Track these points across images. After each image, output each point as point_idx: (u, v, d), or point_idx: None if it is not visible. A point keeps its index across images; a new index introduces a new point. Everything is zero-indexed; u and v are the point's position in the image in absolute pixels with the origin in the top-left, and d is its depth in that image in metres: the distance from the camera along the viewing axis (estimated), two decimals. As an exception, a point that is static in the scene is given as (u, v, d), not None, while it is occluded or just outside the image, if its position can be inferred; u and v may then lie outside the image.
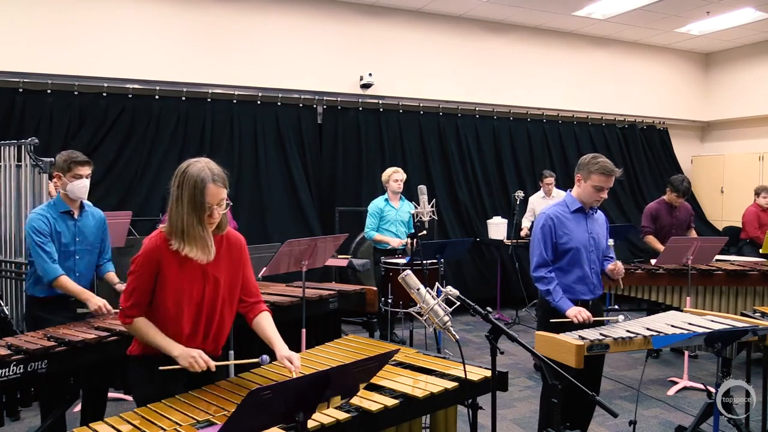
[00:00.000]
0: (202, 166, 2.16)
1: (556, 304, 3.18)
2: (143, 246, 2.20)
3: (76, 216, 3.38)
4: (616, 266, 3.33)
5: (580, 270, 3.26)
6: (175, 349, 2.16)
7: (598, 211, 3.42)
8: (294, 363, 2.21)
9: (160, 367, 2.13)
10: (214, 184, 2.14)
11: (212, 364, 2.17)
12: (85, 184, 3.34)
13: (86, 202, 3.47)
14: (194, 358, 2.14)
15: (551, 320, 3.15)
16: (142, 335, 2.21)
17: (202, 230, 2.16)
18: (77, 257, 3.36)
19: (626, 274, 5.03)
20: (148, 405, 2.02)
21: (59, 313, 3.24)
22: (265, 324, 2.38)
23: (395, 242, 5.50)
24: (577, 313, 3.11)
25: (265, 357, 2.29)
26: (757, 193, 6.83)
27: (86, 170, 3.33)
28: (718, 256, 5.06)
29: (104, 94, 6.03)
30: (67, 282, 3.21)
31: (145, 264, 2.18)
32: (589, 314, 3.11)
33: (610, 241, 3.57)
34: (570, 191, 3.37)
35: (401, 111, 7.43)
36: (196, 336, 2.25)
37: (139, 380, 2.27)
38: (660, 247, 5.73)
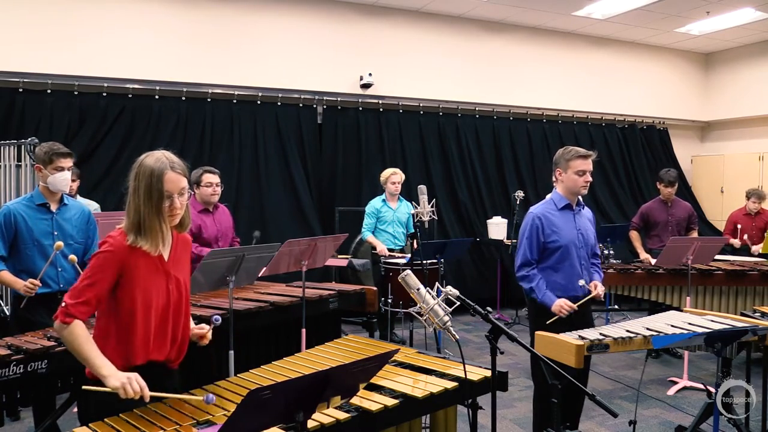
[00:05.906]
0: (159, 155, 2.08)
1: (541, 300, 3.22)
2: (107, 242, 2.02)
3: (53, 209, 3.31)
4: (596, 290, 3.26)
5: (570, 267, 3.29)
6: (104, 368, 1.91)
7: (585, 207, 3.47)
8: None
9: (84, 387, 1.92)
10: (173, 171, 2.05)
11: (147, 392, 1.90)
12: (66, 176, 3.28)
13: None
14: (129, 379, 1.88)
15: (547, 322, 3.17)
16: (74, 343, 1.93)
17: (159, 221, 2.04)
18: (58, 251, 3.25)
19: (626, 274, 5.07)
20: (148, 405, 2.00)
21: (44, 313, 3.15)
22: None
23: (381, 248, 5.43)
24: (559, 307, 3.15)
25: (211, 396, 1.89)
26: (747, 197, 6.39)
27: (68, 162, 3.29)
28: (717, 256, 5.06)
29: (104, 94, 6.02)
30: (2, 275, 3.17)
31: (110, 260, 1.99)
32: (570, 303, 3.15)
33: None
34: (555, 190, 3.41)
35: (401, 111, 7.43)
36: (165, 340, 2.12)
37: (98, 404, 1.98)
38: (638, 245, 5.78)
